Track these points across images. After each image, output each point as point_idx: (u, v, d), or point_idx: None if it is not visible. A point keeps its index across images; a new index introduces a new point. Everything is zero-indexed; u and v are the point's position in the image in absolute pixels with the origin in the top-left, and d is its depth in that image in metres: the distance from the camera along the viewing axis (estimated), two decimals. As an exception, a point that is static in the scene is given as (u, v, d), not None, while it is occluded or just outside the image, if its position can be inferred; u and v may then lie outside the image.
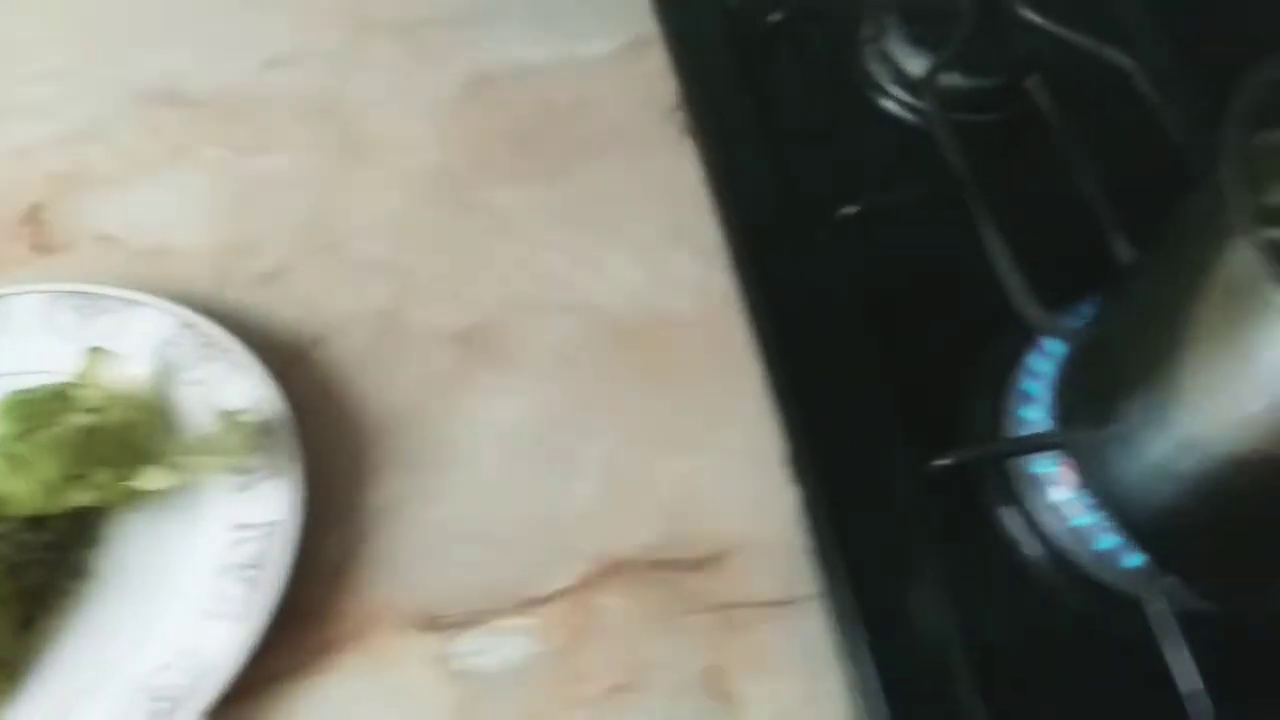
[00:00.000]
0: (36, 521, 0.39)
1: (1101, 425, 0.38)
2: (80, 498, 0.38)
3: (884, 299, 0.47)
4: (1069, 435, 0.39)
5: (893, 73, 0.53)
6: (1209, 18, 0.56)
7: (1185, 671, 0.37)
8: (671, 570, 0.41)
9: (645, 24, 0.53)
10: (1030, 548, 0.42)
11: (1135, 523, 0.38)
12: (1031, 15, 0.52)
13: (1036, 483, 0.43)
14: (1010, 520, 0.43)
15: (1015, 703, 0.38)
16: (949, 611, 0.40)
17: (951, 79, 0.53)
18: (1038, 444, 0.40)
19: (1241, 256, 0.30)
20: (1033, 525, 0.43)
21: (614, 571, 0.41)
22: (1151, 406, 0.35)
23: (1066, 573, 0.41)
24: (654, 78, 0.52)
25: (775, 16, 0.52)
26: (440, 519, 0.41)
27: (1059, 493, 0.42)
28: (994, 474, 0.44)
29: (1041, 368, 0.44)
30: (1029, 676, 0.39)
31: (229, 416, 0.40)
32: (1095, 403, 0.39)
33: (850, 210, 0.46)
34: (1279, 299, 0.29)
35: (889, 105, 0.53)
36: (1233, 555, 0.37)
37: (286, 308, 0.45)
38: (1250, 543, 0.36)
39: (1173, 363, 0.34)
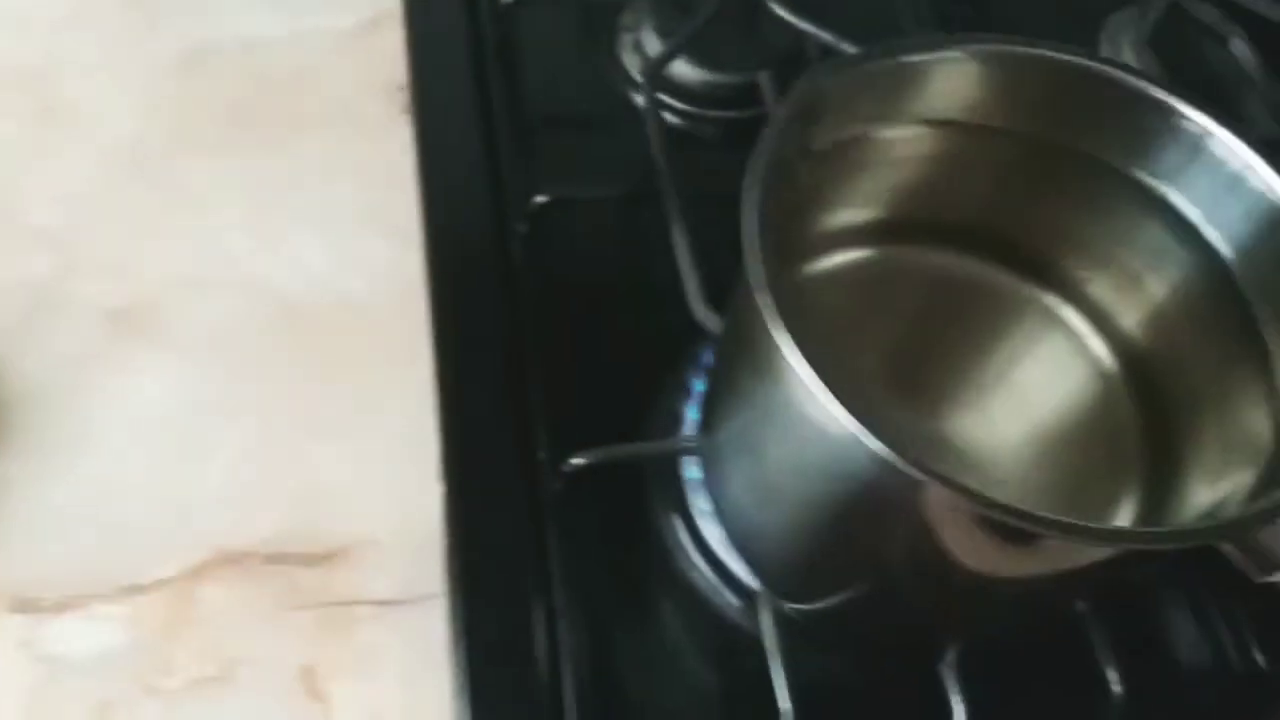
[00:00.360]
0: None
1: (710, 433, 0.36)
2: None
3: (579, 294, 0.46)
4: (687, 441, 0.37)
5: (643, 63, 0.52)
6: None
7: (781, 690, 0.35)
8: (289, 564, 0.39)
9: (388, 2, 0.52)
10: (682, 555, 0.40)
11: (734, 534, 0.36)
12: (780, 10, 0.51)
13: (693, 488, 0.41)
14: (666, 526, 0.41)
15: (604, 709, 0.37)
16: (578, 620, 0.38)
17: (697, 73, 0.51)
18: (668, 449, 0.39)
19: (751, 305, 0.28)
20: (692, 532, 0.41)
21: (228, 562, 0.39)
22: (729, 418, 0.34)
23: (704, 581, 0.40)
24: (387, 56, 0.50)
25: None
26: (57, 500, 0.39)
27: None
28: (658, 478, 0.42)
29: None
30: (643, 692, 0.38)
31: None
32: (710, 408, 0.37)
33: (540, 200, 0.44)
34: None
35: (637, 97, 0.51)
36: (802, 566, 0.35)
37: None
38: (815, 554, 0.34)
39: (728, 384, 0.33)
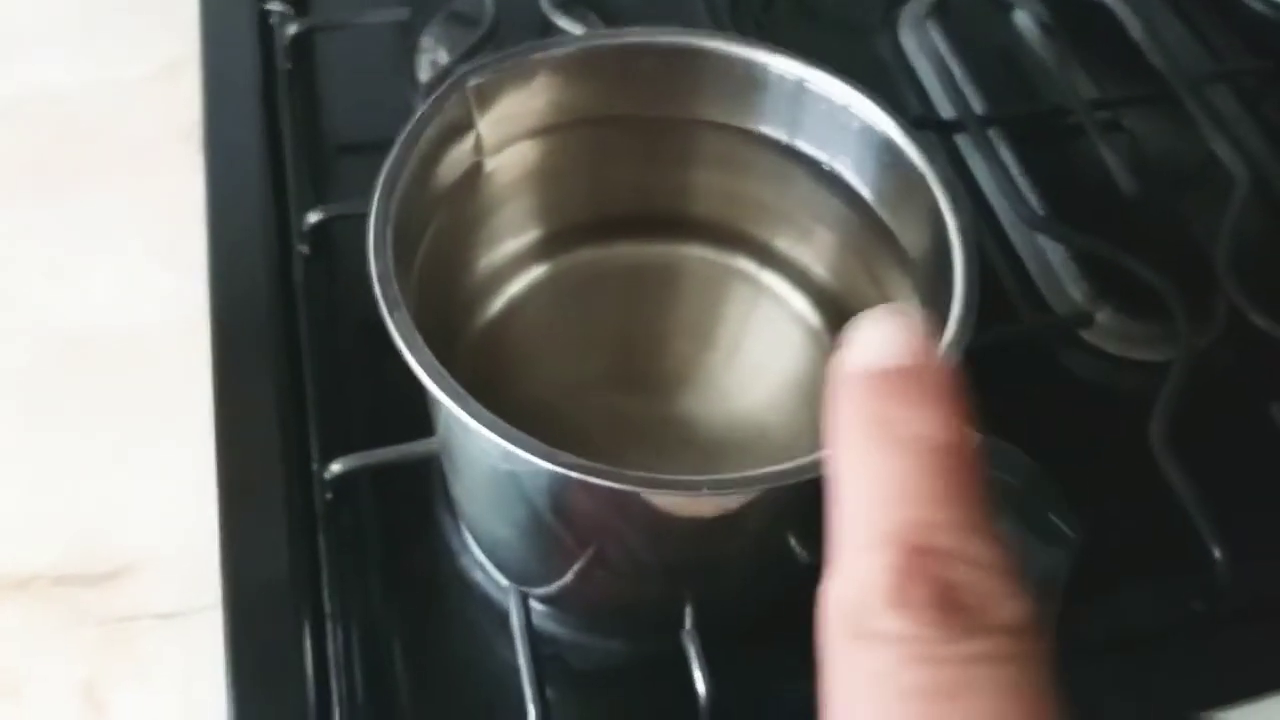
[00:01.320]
0: None
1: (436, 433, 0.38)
2: None
3: (359, 309, 0.47)
4: (423, 444, 0.39)
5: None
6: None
7: (527, 675, 0.37)
8: (73, 585, 0.41)
9: (188, 45, 0.54)
10: (458, 553, 0.42)
11: (467, 527, 0.38)
12: (561, 21, 0.52)
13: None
14: (444, 526, 0.43)
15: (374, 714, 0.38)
16: (349, 626, 0.40)
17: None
18: (420, 452, 0.40)
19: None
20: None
21: (17, 585, 0.40)
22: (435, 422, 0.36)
23: (478, 576, 0.41)
24: (184, 99, 0.52)
25: (293, 28, 0.52)
26: None
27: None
28: (437, 480, 0.44)
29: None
30: (414, 693, 0.39)
31: None
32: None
33: (315, 219, 0.46)
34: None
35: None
36: (518, 554, 0.37)
37: None
38: (523, 543, 0.35)
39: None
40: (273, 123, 0.51)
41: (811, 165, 0.34)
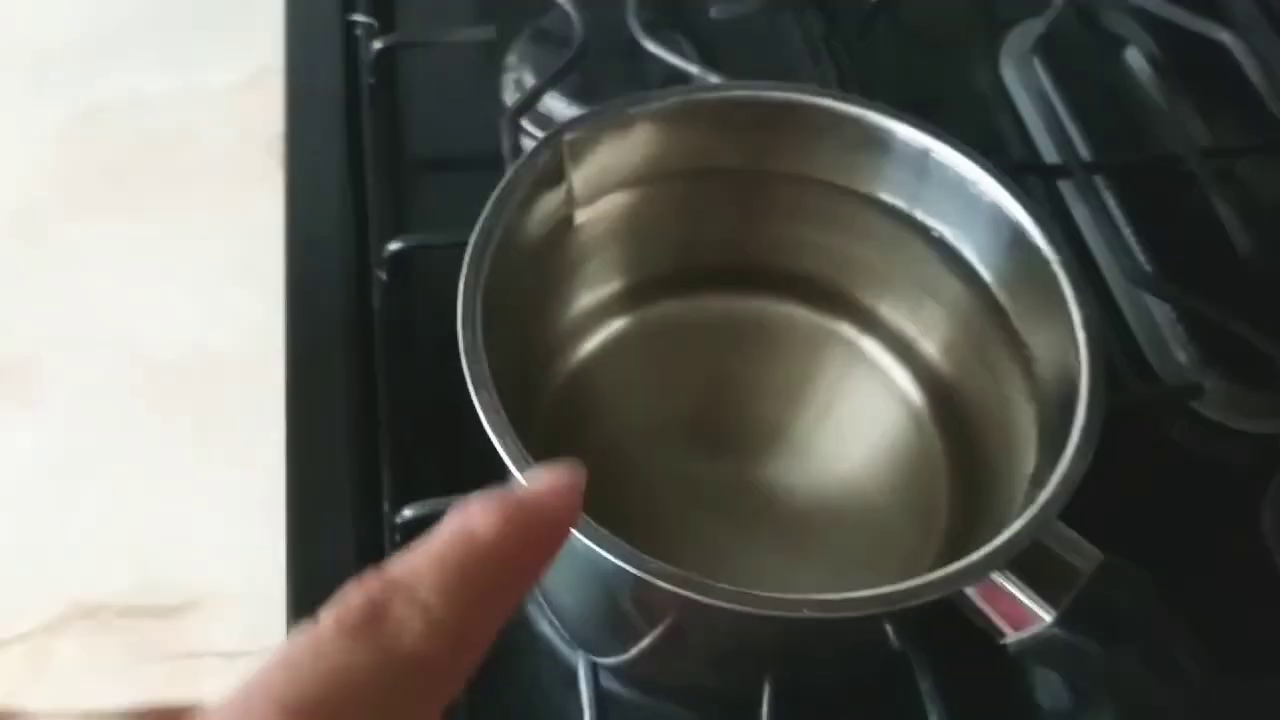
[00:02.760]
0: None
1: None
2: None
3: (436, 342, 0.46)
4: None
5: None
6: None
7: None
8: (141, 617, 0.40)
9: (273, 55, 0.53)
10: (529, 603, 0.41)
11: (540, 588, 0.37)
12: (653, 47, 0.51)
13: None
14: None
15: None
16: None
17: (571, 110, 0.52)
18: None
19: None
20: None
21: (83, 616, 0.40)
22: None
23: (547, 630, 0.40)
24: (268, 110, 0.51)
25: (378, 44, 0.51)
26: (-78, 555, 0.41)
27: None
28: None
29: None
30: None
31: None
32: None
33: (395, 247, 0.45)
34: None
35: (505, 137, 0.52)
36: (587, 623, 0.35)
37: None
38: (595, 617, 0.34)
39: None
40: (355, 138, 0.50)
41: (928, 236, 0.33)
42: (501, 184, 0.30)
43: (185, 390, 0.45)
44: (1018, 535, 0.25)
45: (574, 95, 0.52)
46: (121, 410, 0.44)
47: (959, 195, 0.32)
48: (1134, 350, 0.47)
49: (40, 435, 0.44)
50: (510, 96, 0.53)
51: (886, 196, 0.33)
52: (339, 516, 0.41)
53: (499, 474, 0.41)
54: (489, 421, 0.27)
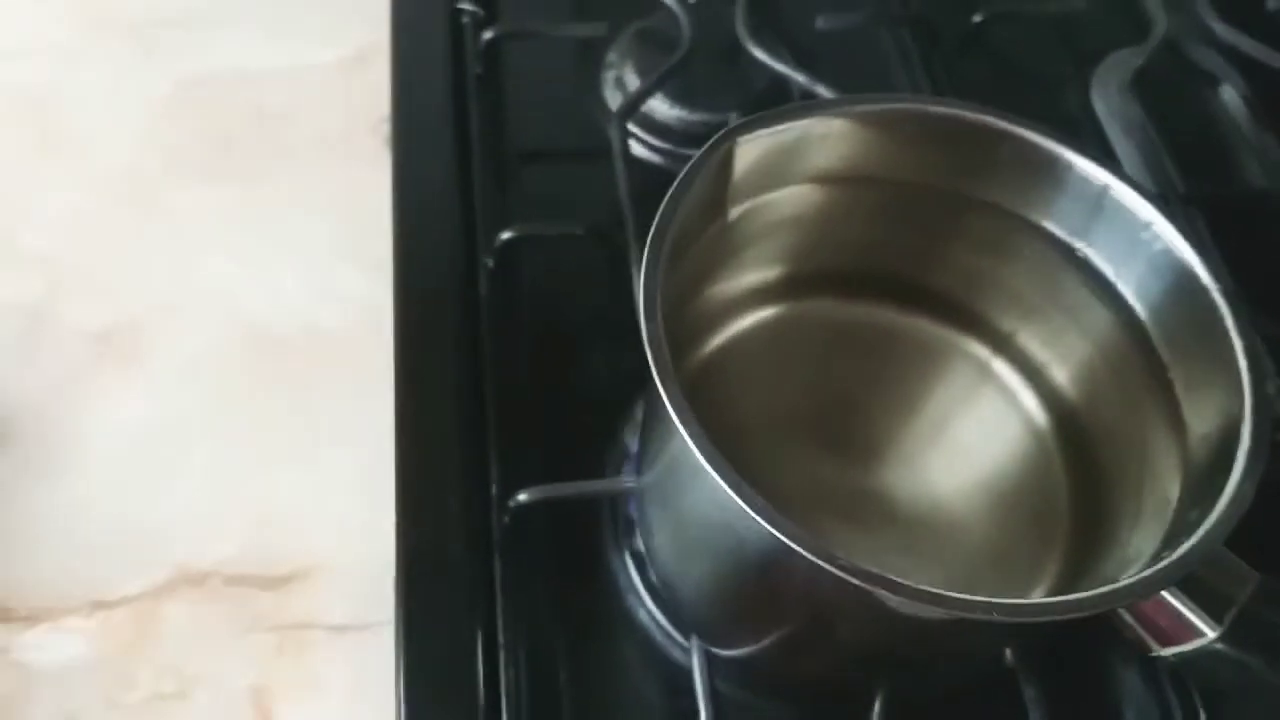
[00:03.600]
0: None
1: (640, 478, 0.37)
2: None
3: (543, 330, 0.47)
4: (629, 482, 0.38)
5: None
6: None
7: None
8: (248, 585, 0.41)
9: (378, 34, 0.53)
10: (629, 594, 0.41)
11: (660, 579, 0.37)
12: (757, 52, 0.51)
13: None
14: (617, 565, 0.42)
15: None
16: (520, 654, 0.40)
17: (674, 111, 0.52)
18: (610, 489, 0.40)
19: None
20: (641, 571, 0.42)
21: (191, 582, 0.40)
22: (649, 468, 0.35)
23: (649, 620, 0.41)
24: (373, 88, 0.52)
25: (488, 34, 0.52)
26: (33, 513, 0.41)
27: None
28: (610, 516, 0.43)
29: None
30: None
31: None
32: (640, 454, 0.38)
33: (506, 236, 0.46)
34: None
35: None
36: (718, 616, 0.36)
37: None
38: (729, 608, 0.35)
39: (649, 434, 0.34)
40: (462, 126, 0.51)
41: (1086, 269, 0.33)
42: (675, 185, 0.31)
43: (293, 364, 0.45)
44: (1189, 554, 0.26)
45: (676, 97, 0.52)
46: (228, 380, 0.45)
47: (1128, 234, 0.32)
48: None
49: (148, 401, 0.44)
50: (611, 93, 0.54)
51: (1053, 227, 0.34)
52: (447, 496, 0.41)
53: (593, 462, 0.42)
54: (676, 411, 0.27)
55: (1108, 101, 0.56)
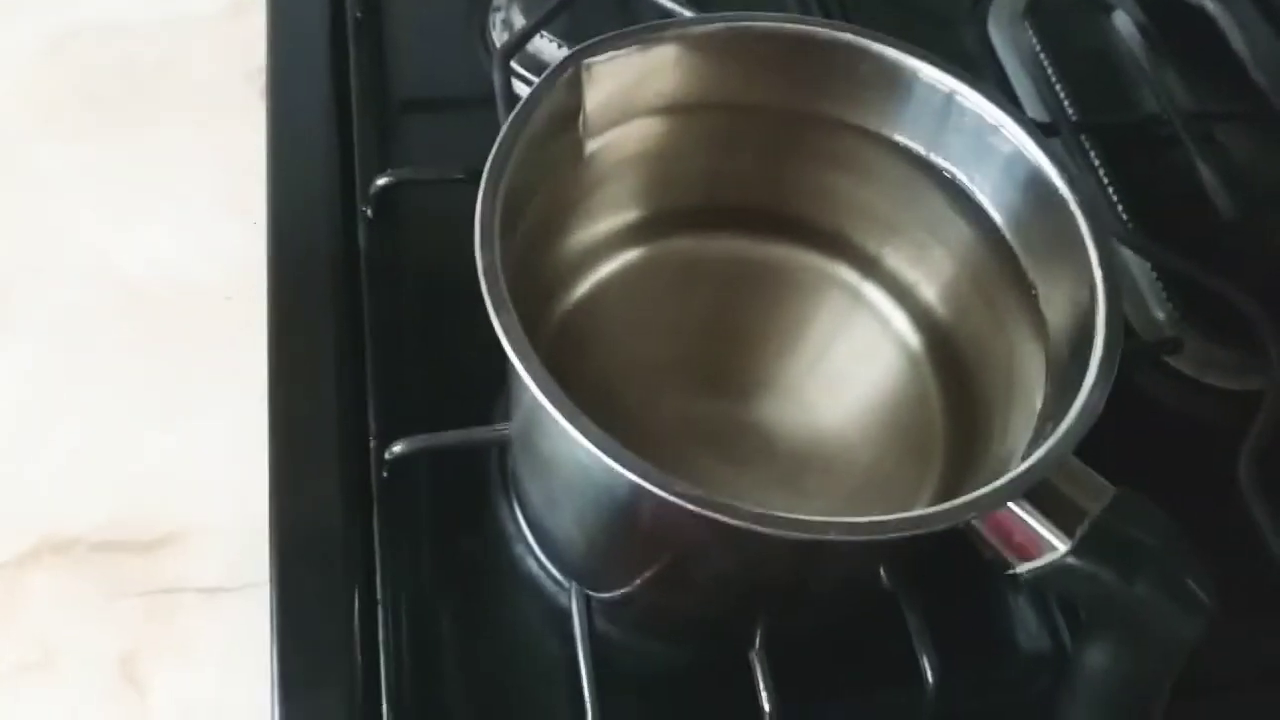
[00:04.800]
0: None
1: (511, 420, 0.36)
2: None
3: (422, 279, 0.45)
4: (501, 430, 0.37)
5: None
6: None
7: (587, 677, 0.35)
8: (117, 551, 0.39)
9: (254, -16, 0.52)
10: (513, 542, 0.40)
11: (531, 524, 0.37)
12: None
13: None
14: (500, 513, 0.41)
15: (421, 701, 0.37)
16: (400, 608, 0.39)
17: (562, 53, 0.51)
18: (486, 438, 0.38)
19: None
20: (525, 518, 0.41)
21: (56, 549, 0.39)
22: (512, 415, 0.34)
23: (532, 568, 0.40)
24: (250, 38, 0.50)
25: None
26: (-108, 484, 0.40)
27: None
28: (493, 465, 0.42)
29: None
30: (462, 680, 0.38)
31: None
32: (506, 403, 0.37)
33: (382, 182, 0.44)
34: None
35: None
36: (589, 559, 0.35)
37: None
38: (598, 550, 0.34)
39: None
40: (340, 73, 0.49)
41: (940, 179, 0.33)
42: (518, 106, 0.30)
43: (165, 321, 0.44)
44: (1036, 465, 0.25)
45: (563, 36, 0.51)
46: (98, 340, 0.43)
47: (979, 139, 0.32)
48: (1115, 308, 0.48)
49: (13, 364, 0.42)
50: (499, 36, 0.52)
51: (903, 139, 0.33)
52: (323, 451, 0.40)
53: (483, 408, 0.41)
54: (512, 345, 0.26)
55: (1003, 34, 0.55)
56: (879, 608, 0.38)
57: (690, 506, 0.24)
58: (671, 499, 0.24)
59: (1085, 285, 0.28)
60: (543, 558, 0.40)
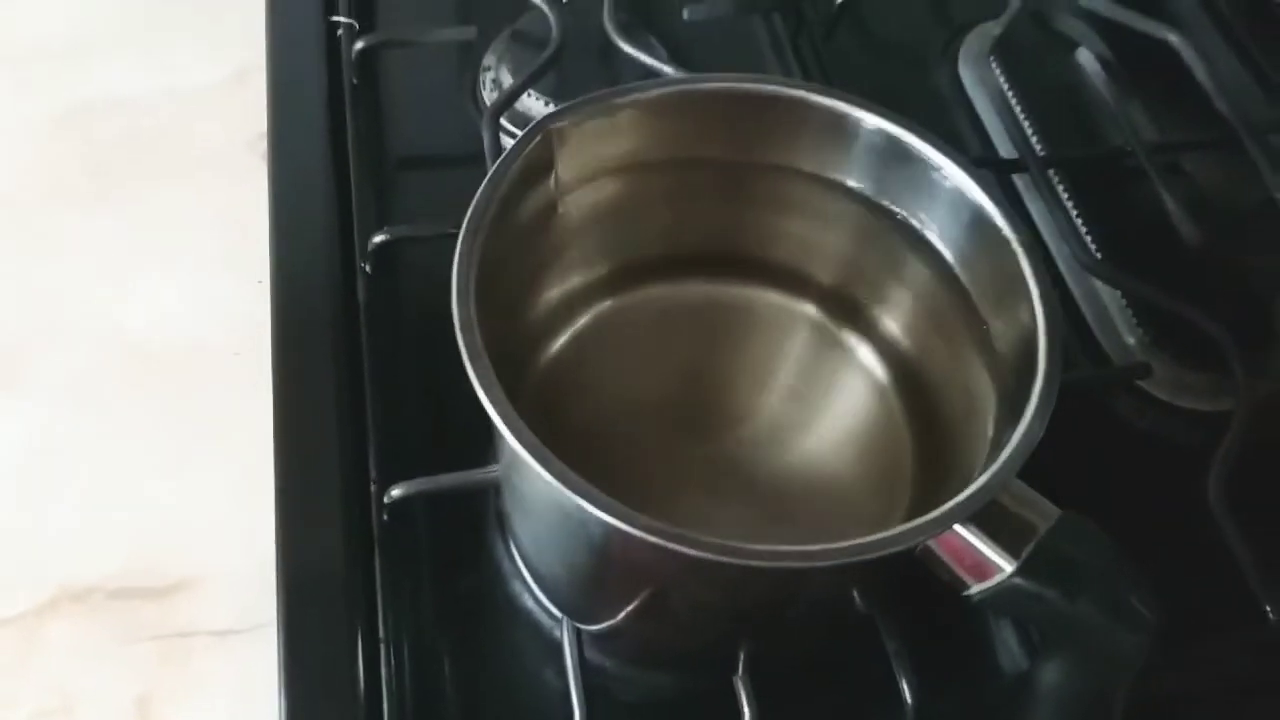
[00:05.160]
0: None
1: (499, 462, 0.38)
2: None
3: (420, 330, 0.47)
4: (484, 472, 0.39)
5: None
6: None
7: (578, 708, 0.37)
8: (131, 598, 0.41)
9: (255, 55, 0.54)
10: (510, 580, 0.42)
11: (524, 561, 0.38)
12: (627, 48, 0.52)
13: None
14: (497, 553, 0.43)
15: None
16: (403, 648, 0.40)
17: (548, 110, 0.53)
18: (482, 480, 0.40)
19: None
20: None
21: (73, 598, 0.41)
22: (498, 457, 0.36)
23: (529, 604, 0.42)
24: (250, 108, 0.53)
25: (360, 44, 0.52)
26: (-83, 539, 0.42)
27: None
28: (490, 506, 0.44)
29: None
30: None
31: None
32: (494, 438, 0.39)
33: (379, 239, 0.46)
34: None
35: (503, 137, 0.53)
36: (576, 592, 0.37)
37: None
38: (584, 584, 0.36)
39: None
40: (338, 136, 0.51)
41: (894, 220, 0.34)
42: (494, 168, 0.32)
43: (173, 379, 0.46)
44: (980, 490, 0.27)
45: (551, 94, 0.53)
46: (109, 398, 0.45)
47: (923, 180, 0.33)
48: (1086, 334, 0.49)
49: (29, 422, 0.45)
50: (489, 96, 0.54)
51: (854, 183, 0.35)
52: (327, 498, 0.42)
53: (479, 453, 0.43)
54: (484, 390, 0.28)
55: (972, 73, 0.57)
56: (860, 631, 0.40)
57: (651, 539, 0.26)
58: (635, 532, 0.26)
59: (1030, 319, 0.30)
60: (538, 593, 0.41)
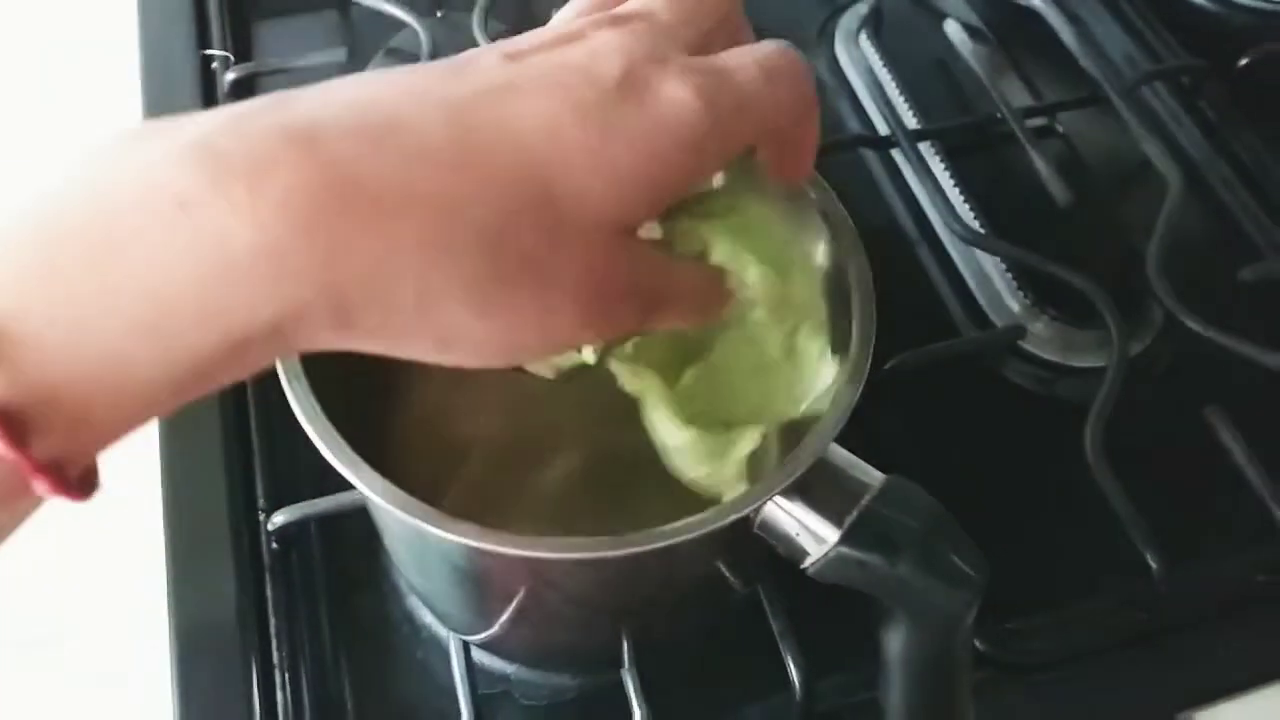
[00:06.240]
0: None
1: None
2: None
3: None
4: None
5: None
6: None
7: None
8: (16, 648, 0.41)
9: (129, 91, 0.54)
10: (410, 595, 0.43)
11: (401, 574, 0.38)
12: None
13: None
14: (396, 571, 0.43)
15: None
16: (299, 675, 0.40)
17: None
18: (350, 502, 0.40)
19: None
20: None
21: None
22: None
23: (422, 621, 0.42)
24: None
25: (232, 75, 0.53)
26: None
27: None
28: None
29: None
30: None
31: None
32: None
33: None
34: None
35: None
36: (448, 601, 0.37)
37: None
38: (451, 595, 0.36)
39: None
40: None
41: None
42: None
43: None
44: (791, 461, 0.27)
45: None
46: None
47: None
48: (970, 302, 0.50)
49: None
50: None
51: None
52: (215, 528, 0.42)
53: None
54: (298, 406, 0.29)
55: (848, 52, 0.58)
56: (747, 614, 0.40)
57: (470, 543, 0.26)
58: (443, 535, 0.26)
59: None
60: (425, 609, 0.42)
